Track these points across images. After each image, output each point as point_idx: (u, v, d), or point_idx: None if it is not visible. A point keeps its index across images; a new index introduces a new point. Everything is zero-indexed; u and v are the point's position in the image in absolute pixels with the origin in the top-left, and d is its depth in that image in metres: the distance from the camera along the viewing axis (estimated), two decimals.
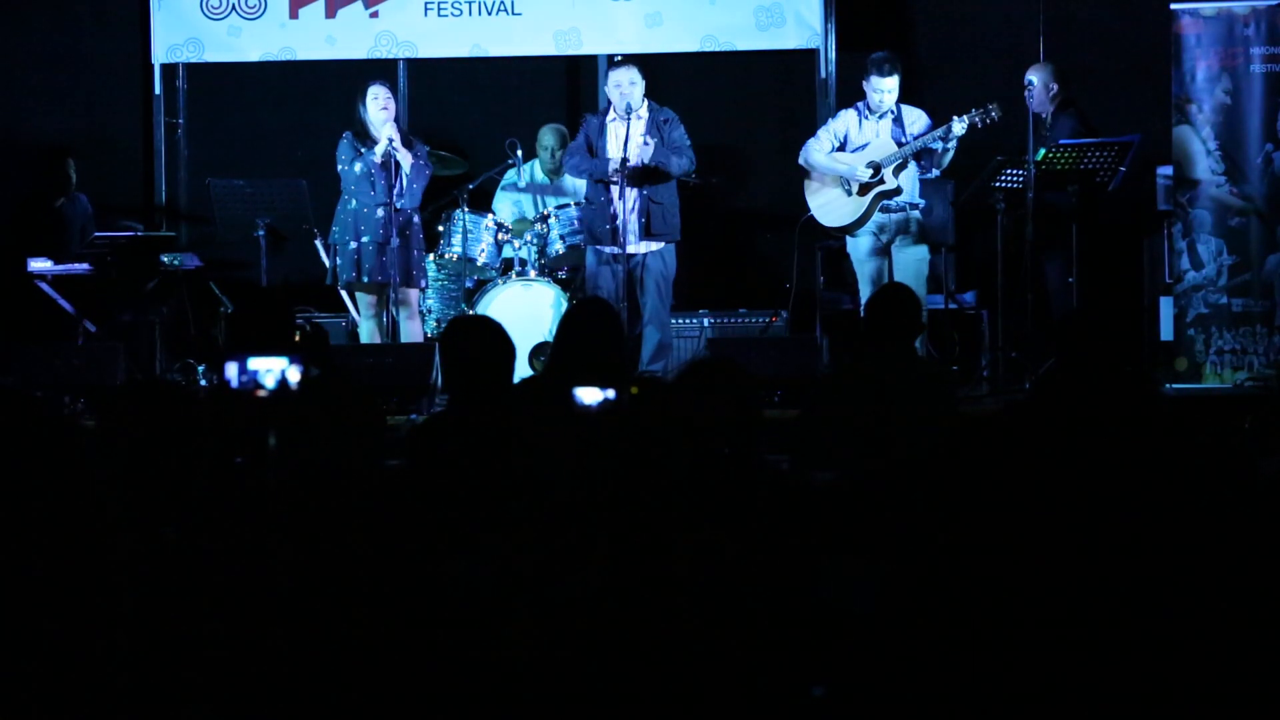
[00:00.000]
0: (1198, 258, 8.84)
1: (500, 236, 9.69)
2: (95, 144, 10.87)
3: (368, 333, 9.09)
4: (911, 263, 9.12)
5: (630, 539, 3.74)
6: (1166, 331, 9.00)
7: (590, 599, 3.64)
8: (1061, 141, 8.99)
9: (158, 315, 9.72)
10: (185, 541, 3.70)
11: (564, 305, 9.28)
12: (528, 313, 9.33)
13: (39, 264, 9.54)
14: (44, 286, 9.55)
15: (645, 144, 8.98)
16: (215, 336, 9.64)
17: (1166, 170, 9.02)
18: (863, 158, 9.06)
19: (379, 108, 8.95)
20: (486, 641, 3.59)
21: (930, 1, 10.81)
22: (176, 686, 3.50)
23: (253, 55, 10.62)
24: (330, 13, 10.57)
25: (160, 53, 10.65)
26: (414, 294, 9.07)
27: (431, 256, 9.42)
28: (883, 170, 9.01)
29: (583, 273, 9.45)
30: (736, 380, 4.07)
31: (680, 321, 9.86)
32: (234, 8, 10.59)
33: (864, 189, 9.05)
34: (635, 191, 8.92)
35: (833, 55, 10.42)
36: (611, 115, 9.16)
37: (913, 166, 9.14)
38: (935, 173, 9.28)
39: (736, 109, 10.96)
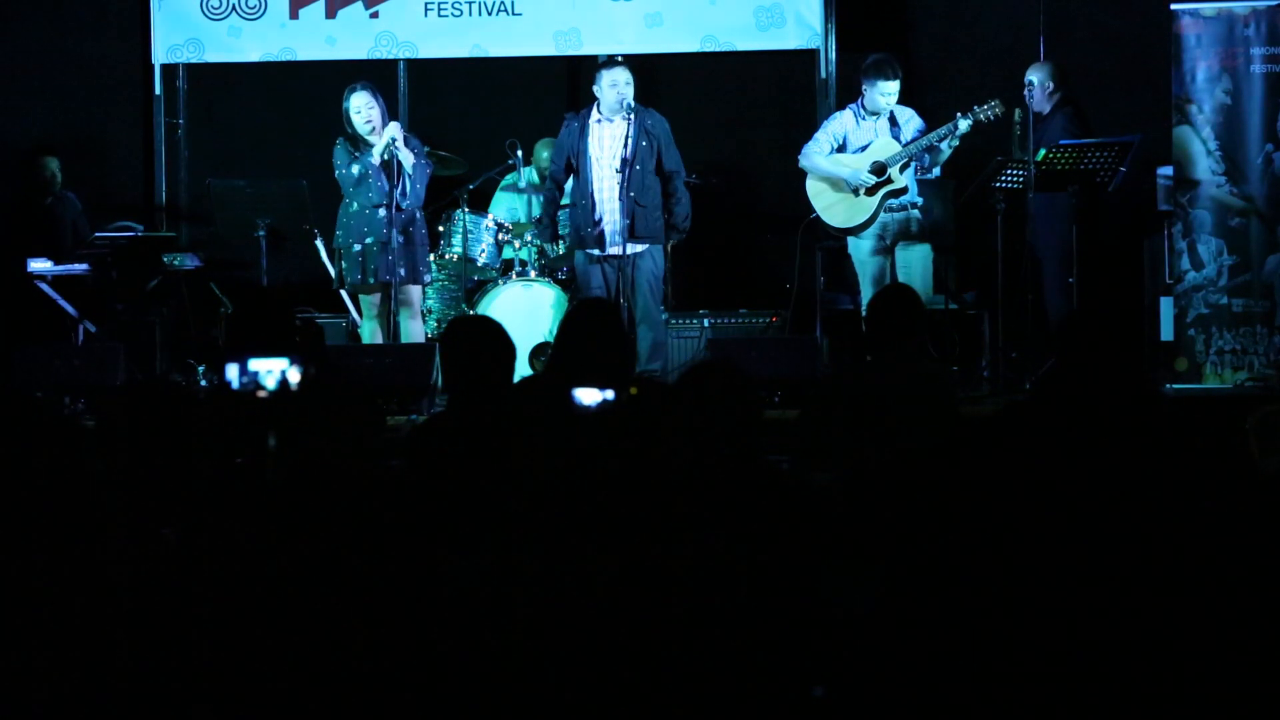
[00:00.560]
0: (1198, 258, 8.84)
1: (500, 237, 9.69)
2: (95, 144, 10.87)
3: (370, 333, 9.06)
4: (918, 260, 9.11)
5: (630, 539, 3.74)
6: (1167, 332, 8.98)
7: (590, 599, 3.64)
8: (1062, 142, 8.99)
9: (158, 315, 9.72)
10: (185, 541, 3.70)
11: (564, 305, 9.27)
12: (528, 313, 9.32)
13: (39, 264, 9.53)
14: (44, 287, 9.55)
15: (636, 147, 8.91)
16: (215, 337, 9.63)
17: (1166, 170, 9.01)
18: (865, 158, 9.04)
19: (363, 120, 8.88)
20: (486, 641, 3.59)
21: (930, 1, 10.81)
22: (176, 686, 3.50)
23: (253, 55, 10.62)
24: (330, 13, 10.57)
25: (160, 53, 10.64)
26: (416, 293, 9.03)
27: (432, 257, 9.41)
28: (889, 170, 9.00)
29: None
30: (736, 381, 4.07)
31: (680, 321, 9.85)
32: (234, 8, 10.59)
33: (871, 189, 9.03)
34: (619, 194, 8.84)
35: (833, 55, 10.41)
36: (596, 116, 9.07)
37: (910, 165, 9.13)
38: (935, 172, 9.27)
39: (736, 109, 10.95)
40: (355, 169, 8.86)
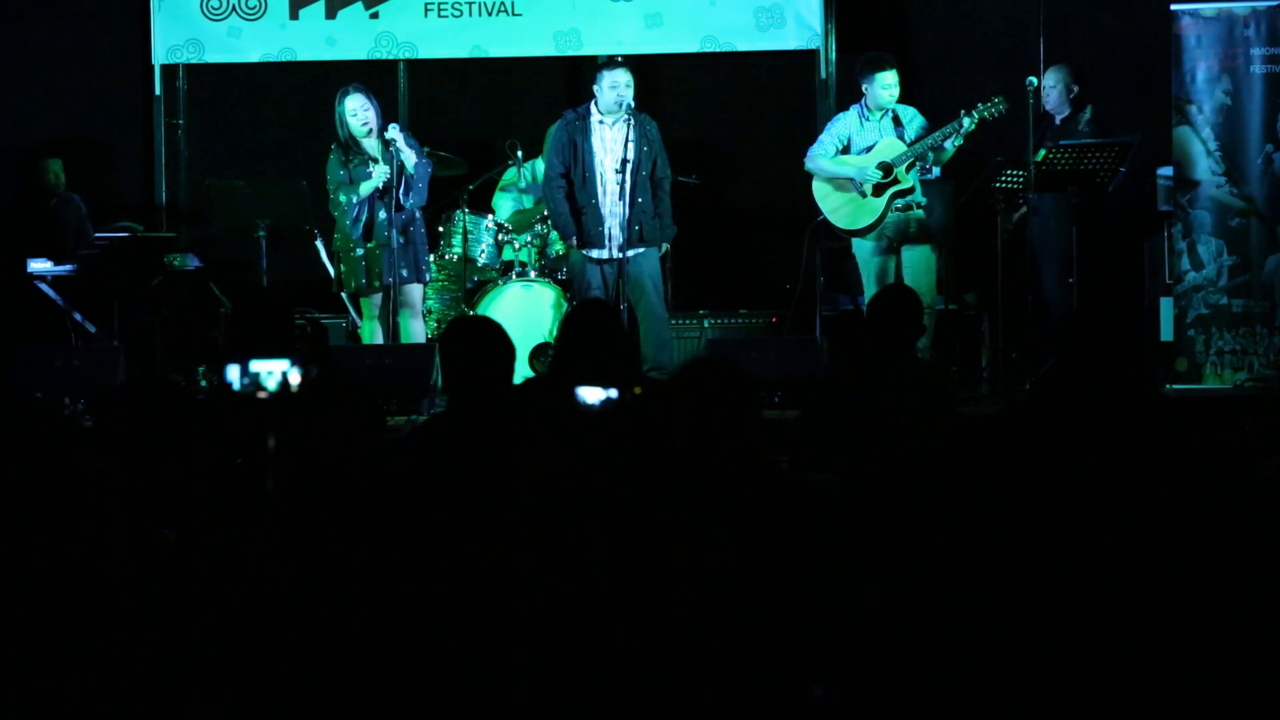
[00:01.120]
0: (1198, 258, 8.84)
1: (500, 237, 9.68)
2: (96, 145, 10.88)
3: (370, 333, 9.05)
4: (922, 259, 9.09)
5: (630, 539, 3.74)
6: (1167, 332, 8.99)
7: (590, 599, 3.64)
8: (1062, 142, 9.00)
9: (158, 316, 9.72)
10: (185, 542, 3.70)
11: (564, 306, 9.26)
12: (528, 314, 9.32)
13: (39, 265, 9.54)
14: (44, 287, 9.55)
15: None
16: (215, 337, 9.63)
17: (1167, 171, 9.01)
18: (871, 159, 9.03)
19: (359, 123, 8.84)
20: (487, 641, 3.59)
21: (930, 1, 10.81)
22: (176, 686, 3.50)
23: (253, 56, 10.63)
24: (330, 14, 10.58)
25: (160, 53, 10.65)
26: (417, 292, 9.01)
27: (432, 257, 9.40)
28: (895, 170, 8.99)
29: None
30: (736, 380, 4.07)
31: (680, 322, 9.86)
32: (234, 8, 10.59)
33: (878, 189, 9.02)
34: (620, 196, 8.83)
35: (833, 56, 10.42)
36: (597, 116, 9.04)
37: None
38: (936, 172, 9.27)
39: (736, 109, 10.95)
40: (343, 197, 8.80)
